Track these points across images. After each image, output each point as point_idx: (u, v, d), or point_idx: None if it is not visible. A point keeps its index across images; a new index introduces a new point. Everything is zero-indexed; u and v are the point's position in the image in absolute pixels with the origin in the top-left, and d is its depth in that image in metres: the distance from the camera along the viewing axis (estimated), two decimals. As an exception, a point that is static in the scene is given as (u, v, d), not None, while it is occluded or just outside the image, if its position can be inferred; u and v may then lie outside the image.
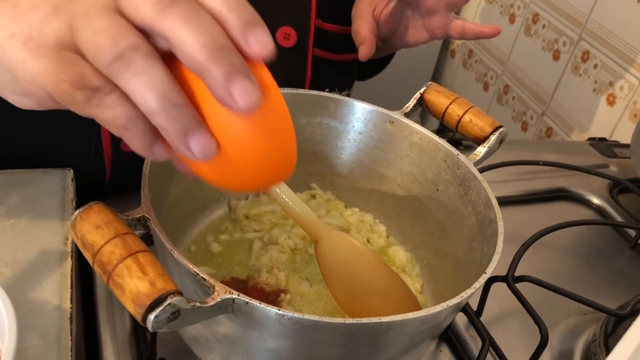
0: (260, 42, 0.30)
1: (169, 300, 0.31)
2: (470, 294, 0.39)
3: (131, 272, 0.32)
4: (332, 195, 0.60)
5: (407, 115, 0.55)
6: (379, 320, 0.35)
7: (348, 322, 0.35)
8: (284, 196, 0.46)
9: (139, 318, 0.31)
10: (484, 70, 1.50)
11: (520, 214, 0.74)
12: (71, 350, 0.48)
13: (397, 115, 0.55)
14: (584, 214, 0.77)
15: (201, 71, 0.29)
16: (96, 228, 0.34)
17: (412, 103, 0.55)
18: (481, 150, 0.51)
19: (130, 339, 0.51)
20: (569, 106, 1.23)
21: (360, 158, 0.57)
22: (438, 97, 0.54)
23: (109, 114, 0.30)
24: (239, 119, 0.31)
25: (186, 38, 0.29)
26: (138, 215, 0.38)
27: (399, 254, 0.56)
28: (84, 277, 0.58)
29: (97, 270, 0.33)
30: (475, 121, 0.52)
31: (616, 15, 1.10)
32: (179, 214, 0.51)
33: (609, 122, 1.12)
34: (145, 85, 0.29)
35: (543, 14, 1.28)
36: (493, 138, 0.51)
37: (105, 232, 0.33)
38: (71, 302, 0.52)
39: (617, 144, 0.92)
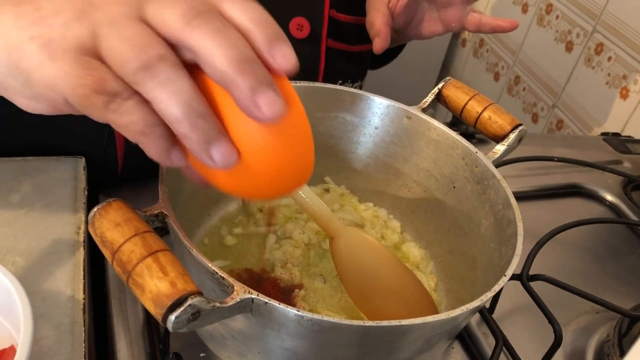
0: (284, 57, 0.32)
1: (189, 301, 0.31)
2: (489, 297, 0.38)
3: (151, 272, 0.31)
4: (346, 189, 0.60)
5: (424, 110, 0.55)
6: (398, 323, 0.35)
7: (367, 324, 0.35)
8: (299, 191, 0.46)
9: (159, 318, 0.31)
10: (495, 60, 1.49)
11: (533, 209, 0.73)
12: (85, 342, 0.48)
13: (414, 110, 0.54)
14: (597, 210, 0.76)
15: (227, 83, 0.29)
16: (115, 226, 0.33)
17: (429, 98, 0.55)
18: (500, 148, 0.51)
19: (143, 332, 0.51)
20: (580, 99, 1.21)
21: (375, 153, 0.57)
22: (456, 93, 0.54)
23: (127, 120, 0.30)
24: (261, 129, 0.31)
25: (213, 51, 0.29)
26: (156, 212, 0.38)
27: (413, 251, 0.56)
28: (94, 267, 0.58)
29: (116, 269, 0.33)
30: (494, 118, 0.51)
31: (632, 8, 1.09)
32: (194, 206, 0.51)
33: (621, 116, 1.11)
34: (171, 95, 0.28)
35: (557, 4, 1.26)
36: (512, 136, 0.51)
37: (125, 230, 0.33)
38: (84, 293, 0.51)
39: (630, 140, 0.91)
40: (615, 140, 0.90)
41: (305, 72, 0.66)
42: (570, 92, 1.24)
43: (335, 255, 0.47)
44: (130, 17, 0.30)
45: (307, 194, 0.46)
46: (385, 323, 0.35)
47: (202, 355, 0.50)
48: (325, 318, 0.34)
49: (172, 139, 0.31)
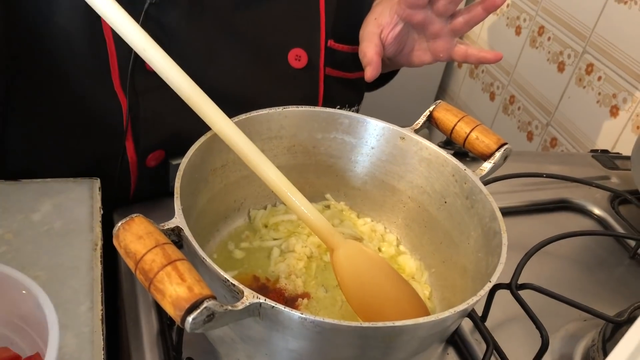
0: None
1: (205, 304, 0.35)
2: (475, 301, 0.42)
3: (171, 278, 0.35)
4: (346, 205, 0.64)
5: (416, 131, 0.59)
6: (392, 324, 0.39)
7: (364, 325, 0.39)
8: (302, 207, 0.50)
9: (178, 320, 0.35)
10: (490, 80, 1.53)
11: (523, 223, 0.77)
12: (103, 349, 0.52)
13: (407, 131, 0.58)
14: (586, 224, 0.80)
15: None
16: (138, 238, 0.37)
17: (422, 120, 0.59)
18: (487, 165, 0.55)
19: (157, 340, 0.55)
20: (573, 117, 1.26)
21: (372, 171, 0.61)
22: (446, 115, 0.58)
23: None
24: None
25: None
26: (172, 226, 0.42)
27: (409, 262, 0.59)
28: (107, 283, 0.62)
29: (139, 277, 0.37)
30: (481, 138, 0.55)
31: (620, 29, 1.14)
32: (204, 223, 0.55)
33: (612, 133, 1.16)
34: None
35: (548, 27, 1.31)
36: (498, 155, 0.55)
37: (147, 242, 0.37)
38: (102, 304, 0.55)
39: (618, 156, 0.95)
40: (604, 157, 0.94)
41: (305, 99, 0.71)
42: (563, 111, 1.28)
43: (336, 267, 0.51)
44: None
45: (309, 209, 0.50)
46: (380, 324, 0.39)
47: (213, 362, 0.54)
48: (326, 320, 0.38)
49: None
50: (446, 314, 0.40)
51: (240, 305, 0.37)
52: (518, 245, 0.65)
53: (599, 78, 1.19)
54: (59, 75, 0.61)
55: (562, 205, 0.82)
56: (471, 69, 1.62)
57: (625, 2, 1.12)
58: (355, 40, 0.73)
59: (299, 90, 0.71)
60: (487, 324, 0.60)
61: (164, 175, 0.68)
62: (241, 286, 0.39)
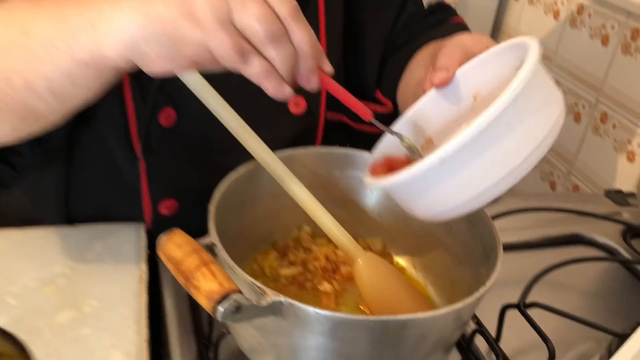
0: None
1: (233, 297, 0.42)
2: (469, 302, 0.48)
3: (205, 276, 0.43)
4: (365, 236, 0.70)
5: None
6: (396, 318, 0.45)
7: (371, 318, 0.45)
8: (328, 222, 0.57)
9: (210, 310, 0.42)
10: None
11: (535, 256, 0.82)
12: (148, 365, 0.59)
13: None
14: (598, 256, 0.84)
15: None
16: (178, 246, 0.45)
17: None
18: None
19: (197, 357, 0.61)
20: (592, 164, 1.31)
21: (385, 204, 0.68)
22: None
23: (253, 70, 0.46)
24: None
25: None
26: (207, 242, 0.49)
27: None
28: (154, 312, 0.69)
29: (178, 278, 0.44)
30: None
31: (629, 79, 1.20)
32: (235, 251, 0.62)
33: (629, 177, 1.20)
34: (282, 59, 0.46)
35: (562, 80, 1.38)
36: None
37: (185, 249, 0.44)
38: (147, 328, 0.62)
39: (631, 194, 0.99)
40: (616, 195, 0.98)
41: (303, 143, 0.75)
42: (582, 159, 1.33)
43: (357, 275, 0.58)
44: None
45: (334, 224, 0.58)
46: (386, 317, 0.45)
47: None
48: (337, 314, 0.44)
49: (283, 81, 0.47)
50: (445, 310, 0.46)
51: (264, 302, 0.44)
52: (528, 274, 0.69)
53: (614, 126, 1.24)
54: (89, 129, 0.69)
55: (574, 239, 0.86)
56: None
57: (631, 54, 1.19)
58: (361, 95, 0.78)
59: (297, 135, 0.76)
60: (503, 345, 0.64)
61: (178, 223, 0.74)
62: (265, 287, 0.45)
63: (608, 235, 0.86)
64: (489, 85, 0.54)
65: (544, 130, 0.46)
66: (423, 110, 0.58)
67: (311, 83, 0.50)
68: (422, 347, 0.49)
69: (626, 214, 0.93)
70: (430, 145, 0.57)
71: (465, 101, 0.57)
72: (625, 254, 0.83)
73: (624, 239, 0.86)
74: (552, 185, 1.43)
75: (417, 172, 0.45)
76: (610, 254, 0.84)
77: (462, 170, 0.45)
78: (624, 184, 1.21)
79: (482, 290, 0.49)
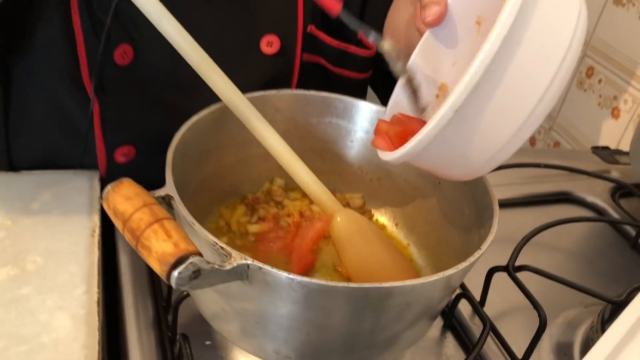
0: None
1: (190, 260, 0.35)
2: (462, 267, 0.42)
3: (157, 235, 0.36)
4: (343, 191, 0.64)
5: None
6: (380, 285, 0.39)
7: (352, 286, 0.39)
8: (303, 174, 0.51)
9: (163, 275, 0.35)
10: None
11: (522, 215, 0.77)
12: (99, 330, 0.52)
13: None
14: (586, 216, 0.80)
15: None
16: (127, 199, 0.38)
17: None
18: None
19: (154, 323, 0.55)
20: (575, 120, 1.26)
21: (367, 155, 0.61)
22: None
23: None
24: None
25: None
26: (163, 194, 0.42)
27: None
28: (108, 269, 0.62)
29: (126, 236, 0.37)
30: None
31: (618, 32, 1.14)
32: (197, 204, 0.55)
33: (614, 134, 1.15)
34: None
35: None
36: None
37: (135, 202, 0.37)
38: (98, 288, 0.56)
39: (619, 152, 0.95)
40: (605, 152, 0.94)
41: (277, 85, 0.68)
42: (564, 115, 1.28)
43: (334, 231, 0.52)
44: None
45: (309, 177, 0.51)
46: (368, 285, 0.39)
47: (207, 343, 0.54)
48: (314, 280, 0.38)
49: None
50: (435, 277, 0.40)
51: (227, 266, 0.38)
52: (516, 234, 0.64)
53: (600, 81, 1.19)
54: (27, 65, 0.62)
55: (562, 198, 0.81)
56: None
57: (623, 5, 1.13)
58: (341, 36, 0.71)
59: (270, 77, 0.69)
60: (486, 309, 0.59)
61: (135, 173, 0.67)
62: (229, 248, 0.39)
63: (596, 194, 0.82)
64: (490, 2, 0.46)
65: (568, 33, 0.39)
66: (424, 55, 0.51)
67: None
68: (406, 316, 0.44)
69: (615, 172, 0.88)
70: (445, 91, 0.50)
71: (468, 30, 0.49)
72: (614, 213, 0.79)
73: (613, 198, 0.82)
74: (532, 141, 1.39)
75: (436, 128, 0.38)
76: (599, 213, 0.80)
77: (489, 107, 0.38)
78: (607, 142, 1.16)
79: (477, 254, 0.43)
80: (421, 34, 0.53)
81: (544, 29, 0.38)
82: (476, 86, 0.36)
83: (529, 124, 0.39)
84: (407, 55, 0.63)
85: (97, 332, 0.52)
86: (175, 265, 0.35)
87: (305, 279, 0.38)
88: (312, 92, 0.59)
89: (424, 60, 0.51)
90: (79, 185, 0.67)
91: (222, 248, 0.39)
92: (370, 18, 0.73)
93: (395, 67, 0.47)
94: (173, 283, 0.35)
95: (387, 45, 0.46)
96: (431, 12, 0.49)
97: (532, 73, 0.38)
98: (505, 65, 0.37)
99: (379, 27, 0.71)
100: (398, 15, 0.67)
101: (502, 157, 0.41)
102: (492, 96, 0.37)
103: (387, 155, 0.44)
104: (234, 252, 0.39)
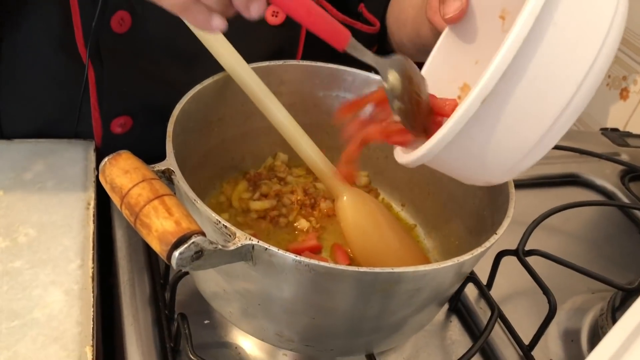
0: None
1: (193, 239, 0.33)
2: (476, 254, 0.40)
3: (158, 212, 0.33)
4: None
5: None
6: (391, 270, 0.37)
7: (362, 270, 0.37)
8: (308, 150, 0.49)
9: (164, 255, 0.33)
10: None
11: (531, 197, 0.75)
12: (93, 306, 0.50)
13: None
14: (595, 198, 0.78)
15: None
16: (125, 173, 0.35)
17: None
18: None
19: (150, 300, 0.53)
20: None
21: (375, 131, 0.59)
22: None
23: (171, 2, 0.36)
24: None
25: None
26: (163, 168, 0.40)
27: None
28: (104, 244, 0.60)
29: (124, 212, 0.35)
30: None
31: (630, 11, 1.11)
32: (199, 178, 0.53)
33: (622, 115, 1.13)
34: None
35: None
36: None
37: (134, 177, 0.35)
38: (93, 262, 0.54)
39: (628, 134, 0.93)
40: (614, 134, 0.91)
41: (283, 57, 0.66)
42: (571, 95, 1.26)
43: (340, 212, 0.50)
44: None
45: (316, 154, 0.49)
46: (378, 269, 0.37)
47: (206, 322, 0.52)
48: (322, 263, 0.36)
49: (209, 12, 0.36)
50: (448, 262, 0.38)
51: (231, 246, 0.36)
52: (524, 216, 0.62)
53: (609, 60, 1.16)
54: (20, 31, 0.59)
55: (570, 180, 0.79)
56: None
57: (637, -18, 1.10)
58: (347, 10, 0.68)
59: (276, 47, 0.66)
60: (493, 293, 0.58)
61: (131, 144, 0.65)
62: (233, 228, 0.37)
63: (606, 176, 0.80)
64: None
65: (607, 17, 0.36)
66: (444, 53, 0.47)
67: (250, 11, 0.37)
68: (415, 301, 0.42)
69: (624, 155, 0.86)
70: (467, 92, 0.46)
71: (492, 25, 0.45)
72: (623, 197, 0.78)
73: (622, 182, 0.80)
74: (537, 121, 1.36)
75: (462, 120, 0.34)
76: (608, 197, 0.78)
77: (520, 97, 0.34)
78: (615, 124, 1.14)
79: (492, 239, 0.41)
80: (432, 24, 0.50)
81: (578, 15, 0.35)
82: (506, 72, 0.33)
83: (562, 120, 0.36)
84: (414, 43, 0.60)
85: (91, 309, 0.50)
86: (176, 245, 0.33)
87: (313, 261, 0.36)
88: (320, 64, 0.56)
89: (443, 59, 0.47)
90: (73, 155, 0.64)
91: (225, 227, 0.37)
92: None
93: (392, 104, 0.43)
94: (174, 263, 0.33)
95: (392, 78, 0.42)
96: (452, 8, 0.45)
97: (566, 61, 0.34)
98: (534, 51, 0.33)
99: (382, 7, 0.69)
100: None
101: (529, 163, 0.38)
102: (522, 85, 0.34)
103: (405, 157, 0.41)
104: (238, 232, 0.36)
